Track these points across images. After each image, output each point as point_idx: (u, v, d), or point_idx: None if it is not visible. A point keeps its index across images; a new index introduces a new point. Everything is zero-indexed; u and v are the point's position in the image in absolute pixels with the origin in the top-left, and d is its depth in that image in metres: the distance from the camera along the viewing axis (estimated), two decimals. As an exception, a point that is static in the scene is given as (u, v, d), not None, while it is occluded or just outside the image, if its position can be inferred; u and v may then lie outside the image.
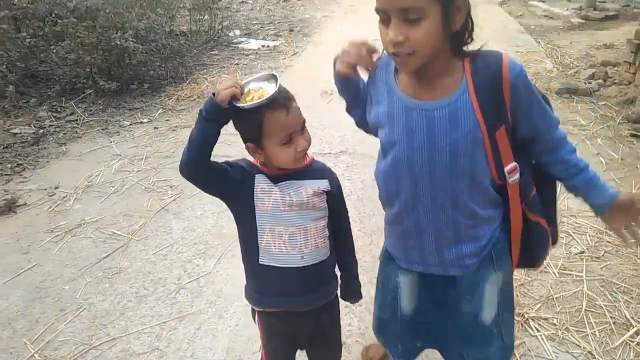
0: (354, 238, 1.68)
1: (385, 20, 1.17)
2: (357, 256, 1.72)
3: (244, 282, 2.70)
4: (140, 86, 5.89)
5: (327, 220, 1.54)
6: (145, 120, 5.07)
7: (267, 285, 1.55)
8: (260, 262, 1.50)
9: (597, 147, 4.06)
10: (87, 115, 5.24)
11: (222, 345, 2.29)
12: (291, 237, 1.47)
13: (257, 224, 1.48)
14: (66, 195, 3.67)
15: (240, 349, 2.26)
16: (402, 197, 1.39)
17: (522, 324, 2.36)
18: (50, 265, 2.91)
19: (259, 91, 1.36)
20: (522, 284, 2.61)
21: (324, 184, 1.52)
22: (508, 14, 9.13)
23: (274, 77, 1.39)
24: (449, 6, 1.13)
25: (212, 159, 1.41)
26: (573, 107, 4.84)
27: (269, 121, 1.35)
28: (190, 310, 2.51)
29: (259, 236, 1.48)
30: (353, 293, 1.72)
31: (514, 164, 1.34)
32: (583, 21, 8.21)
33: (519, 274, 2.67)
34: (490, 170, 1.33)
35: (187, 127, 4.83)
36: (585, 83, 5.37)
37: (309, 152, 1.51)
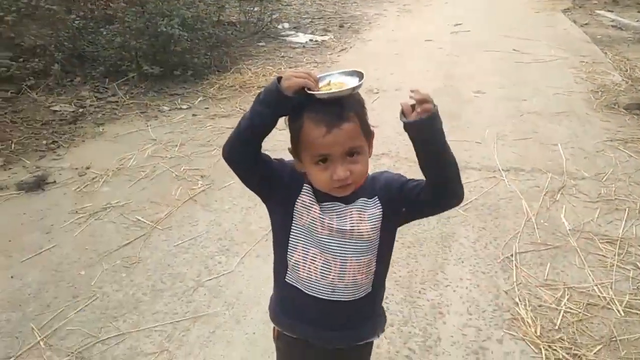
0: None
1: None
2: (391, 270, 1.47)
3: (265, 285, 2.53)
4: (184, 73, 5.78)
5: (375, 253, 1.26)
6: (184, 107, 4.95)
7: (288, 306, 1.33)
8: (286, 280, 1.30)
9: (671, 170, 3.63)
10: (128, 97, 5.16)
11: (236, 355, 2.08)
12: (325, 265, 1.23)
13: (290, 238, 1.26)
14: (96, 177, 3.57)
15: (255, 360, 2.05)
16: None
17: (578, 367, 2.04)
18: (70, 248, 2.78)
19: (339, 85, 1.15)
20: (580, 320, 2.28)
21: (375, 207, 1.22)
22: (572, 22, 8.58)
23: (358, 73, 1.17)
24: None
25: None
26: (643, 125, 4.40)
27: (306, 131, 1.13)
28: (207, 311, 2.31)
29: (289, 251, 1.26)
30: None
31: None
32: (656, 34, 7.61)
33: (576, 308, 2.34)
34: None
35: (225, 116, 4.68)
36: (657, 100, 4.89)
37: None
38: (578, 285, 2.50)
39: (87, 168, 3.71)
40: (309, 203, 1.22)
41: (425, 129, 1.11)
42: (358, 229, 1.20)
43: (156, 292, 2.43)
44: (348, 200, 1.21)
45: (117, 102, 5.07)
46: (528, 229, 2.96)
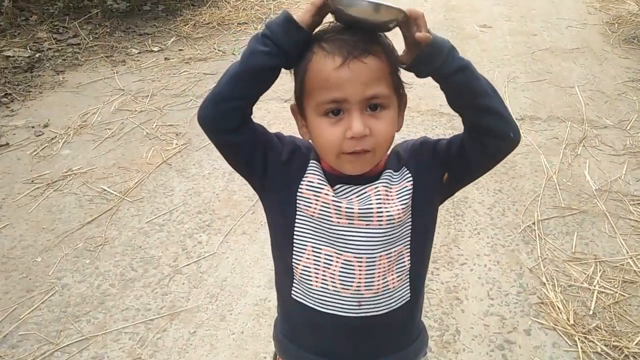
0: None
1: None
2: None
3: (254, 269, 2.19)
4: (154, 8, 5.17)
5: (407, 242, 0.92)
6: (155, 49, 4.39)
7: (299, 331, 0.99)
8: (292, 296, 0.95)
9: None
10: (91, 38, 4.58)
11: (221, 361, 1.76)
12: (345, 269, 0.90)
13: (295, 235, 0.91)
14: (55, 137, 3.11)
15: (244, 368, 1.74)
16: None
17: (620, 363, 1.76)
18: (24, 228, 2.39)
19: None
20: (617, 302, 1.99)
21: (404, 180, 0.91)
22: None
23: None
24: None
25: None
26: (667, 62, 3.98)
27: (314, 66, 0.83)
28: (186, 306, 1.98)
29: (295, 254, 0.92)
30: None
31: None
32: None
33: (611, 287, 2.04)
34: None
35: (202, 60, 4.16)
36: (679, 32, 4.45)
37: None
38: (611, 259, 2.19)
39: (45, 126, 3.24)
40: (317, 185, 0.89)
41: (427, 65, 0.83)
42: (387, 211, 0.88)
43: (126, 283, 2.08)
44: (369, 180, 0.90)
45: (79, 44, 4.49)
46: (549, 190, 2.61)
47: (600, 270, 2.13)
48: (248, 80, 0.84)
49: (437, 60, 0.82)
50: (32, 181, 2.71)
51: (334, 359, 0.97)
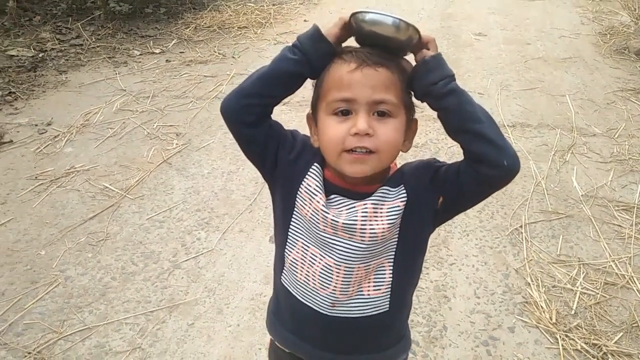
0: None
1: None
2: None
3: (250, 265, 2.27)
4: (156, 11, 5.25)
5: (391, 256, 0.97)
6: (157, 51, 4.48)
7: (283, 312, 1.09)
8: (281, 280, 1.05)
9: (686, 124, 3.37)
10: (94, 39, 4.66)
11: (217, 351, 1.84)
12: (325, 272, 0.96)
13: (290, 229, 1.01)
14: (58, 135, 3.19)
15: (239, 358, 1.81)
16: None
17: (598, 360, 1.85)
18: (28, 222, 2.46)
19: None
20: (598, 303, 2.08)
21: (397, 198, 0.94)
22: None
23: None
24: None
25: None
26: (656, 73, 4.09)
27: (331, 71, 0.91)
28: (184, 299, 2.05)
29: (287, 246, 1.01)
30: None
31: None
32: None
33: (593, 289, 2.13)
34: None
35: (202, 62, 4.24)
36: (670, 44, 4.56)
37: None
38: (594, 262, 2.28)
39: (48, 124, 3.32)
40: (314, 190, 0.95)
41: (425, 77, 0.89)
42: (371, 228, 0.92)
43: (126, 276, 2.16)
44: (364, 196, 0.94)
45: (81, 45, 4.57)
46: (537, 194, 2.70)
47: (583, 273, 2.22)
48: (272, 82, 0.93)
49: (435, 75, 0.87)
50: (36, 177, 2.78)
51: (308, 343, 1.04)
